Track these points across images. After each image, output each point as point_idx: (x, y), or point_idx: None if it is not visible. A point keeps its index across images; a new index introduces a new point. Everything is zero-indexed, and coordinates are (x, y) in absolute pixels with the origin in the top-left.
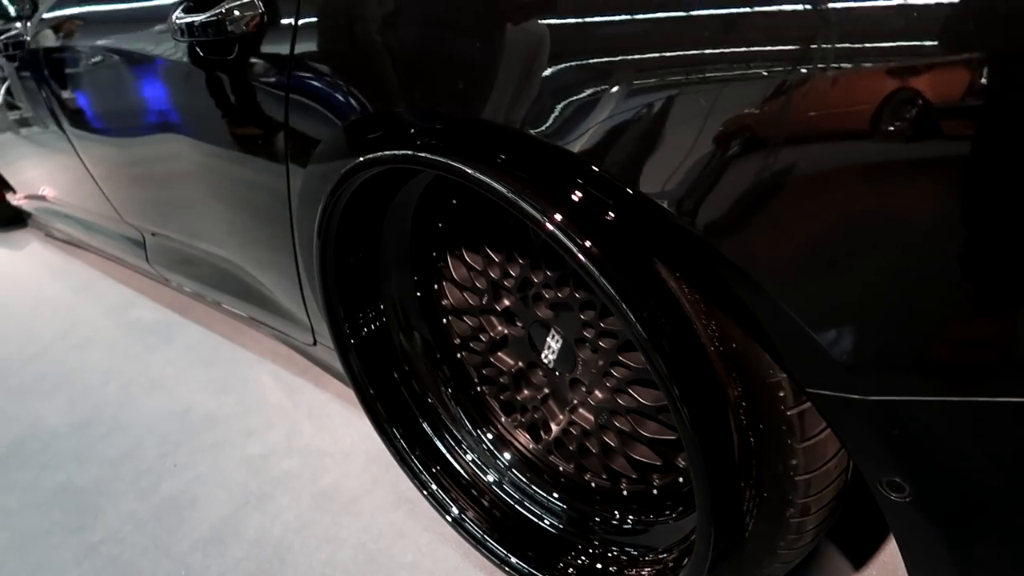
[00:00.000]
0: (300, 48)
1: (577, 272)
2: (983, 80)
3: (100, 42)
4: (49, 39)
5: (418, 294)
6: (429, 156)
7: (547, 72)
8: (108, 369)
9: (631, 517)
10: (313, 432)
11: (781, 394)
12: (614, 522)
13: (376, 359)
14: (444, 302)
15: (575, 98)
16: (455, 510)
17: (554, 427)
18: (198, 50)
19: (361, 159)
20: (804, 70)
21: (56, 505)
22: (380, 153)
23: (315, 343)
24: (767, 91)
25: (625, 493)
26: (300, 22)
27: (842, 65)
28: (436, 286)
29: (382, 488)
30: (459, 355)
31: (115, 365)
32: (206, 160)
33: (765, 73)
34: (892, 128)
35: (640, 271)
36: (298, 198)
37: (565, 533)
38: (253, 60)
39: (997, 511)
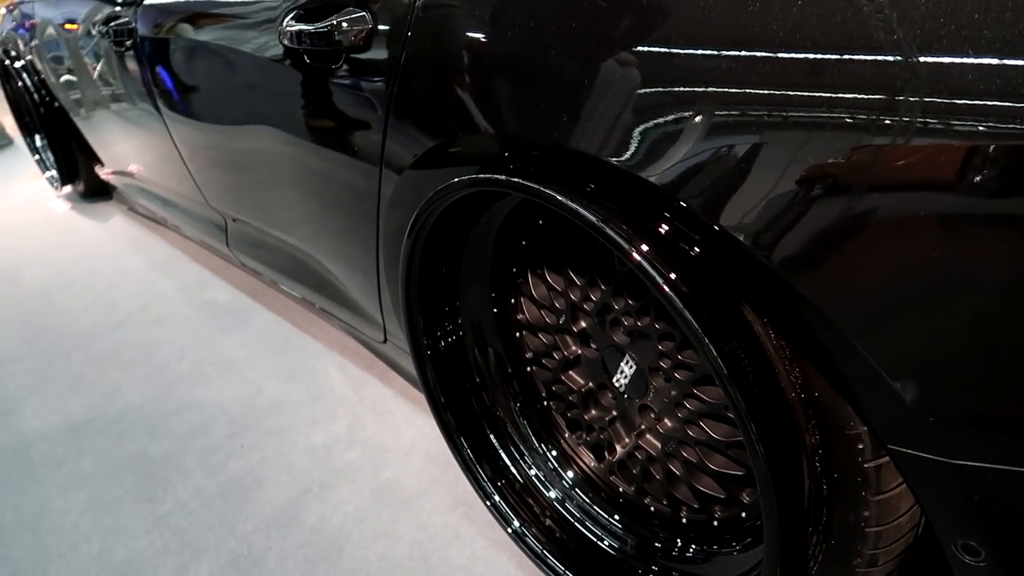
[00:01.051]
0: (407, 63)
1: (659, 302)
2: None
3: (204, 34)
4: (155, 27)
5: (495, 310)
6: (522, 182)
7: (638, 105)
8: (183, 346)
9: (693, 546)
10: (376, 427)
11: (860, 446)
12: (675, 550)
13: (450, 370)
14: (520, 317)
15: (664, 132)
16: (516, 523)
17: (619, 449)
18: (304, 56)
19: (456, 179)
20: (891, 120)
21: (129, 474)
22: (474, 176)
23: (385, 341)
24: (854, 137)
25: (685, 521)
26: (409, 39)
27: (928, 119)
28: (513, 301)
29: (440, 488)
30: (529, 369)
31: (190, 343)
32: (300, 157)
33: (851, 120)
34: (977, 182)
35: (723, 308)
36: (387, 202)
37: (625, 556)
38: (358, 69)
39: None
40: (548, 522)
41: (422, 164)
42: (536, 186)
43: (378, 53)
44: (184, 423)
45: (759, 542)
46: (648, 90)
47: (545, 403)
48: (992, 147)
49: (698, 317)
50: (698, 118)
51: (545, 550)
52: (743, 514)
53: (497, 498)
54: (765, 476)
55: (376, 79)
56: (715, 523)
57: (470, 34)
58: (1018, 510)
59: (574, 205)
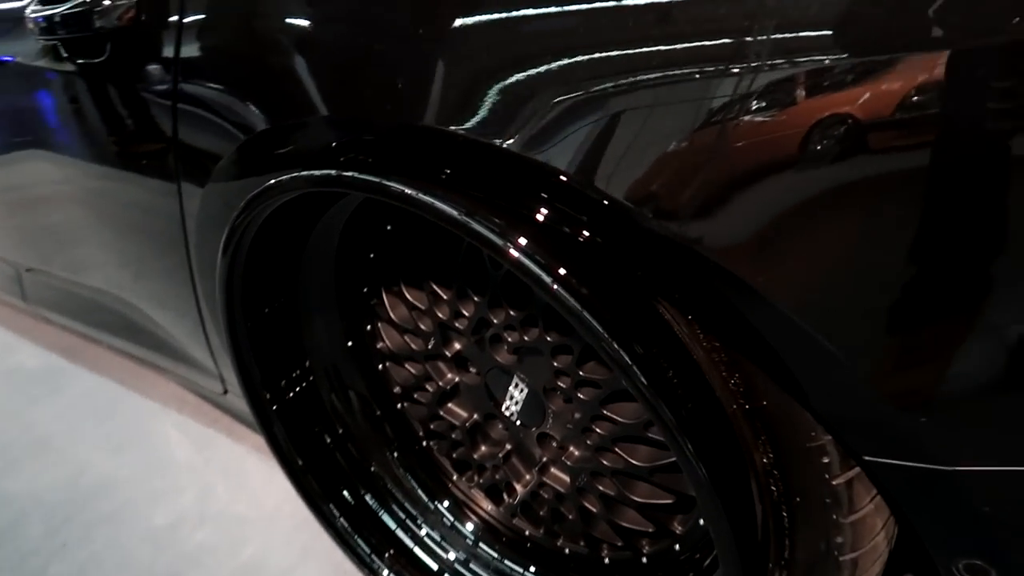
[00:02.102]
0: (187, 47)
1: (548, 307)
2: None
3: None
4: None
5: (349, 343)
6: (358, 176)
7: (498, 63)
8: None
9: None
10: (229, 494)
11: (825, 460)
12: None
13: (304, 424)
14: (380, 345)
15: (524, 90)
16: None
17: (520, 488)
18: (62, 50)
19: (272, 182)
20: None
21: None
22: (295, 174)
23: (225, 392)
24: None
25: (608, 561)
26: (187, 17)
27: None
28: (369, 328)
29: (315, 559)
30: (401, 406)
31: None
32: (83, 181)
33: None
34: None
35: (632, 304)
36: (196, 224)
37: None
38: (129, 62)
39: None
40: None
41: (228, 171)
42: (376, 179)
43: (150, 36)
44: None
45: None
46: (503, 40)
47: (425, 444)
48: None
49: (600, 317)
50: (556, 68)
51: None
52: (676, 546)
53: (387, 573)
54: (713, 501)
55: (153, 71)
56: (644, 560)
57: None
58: (1017, 515)
59: (427, 198)
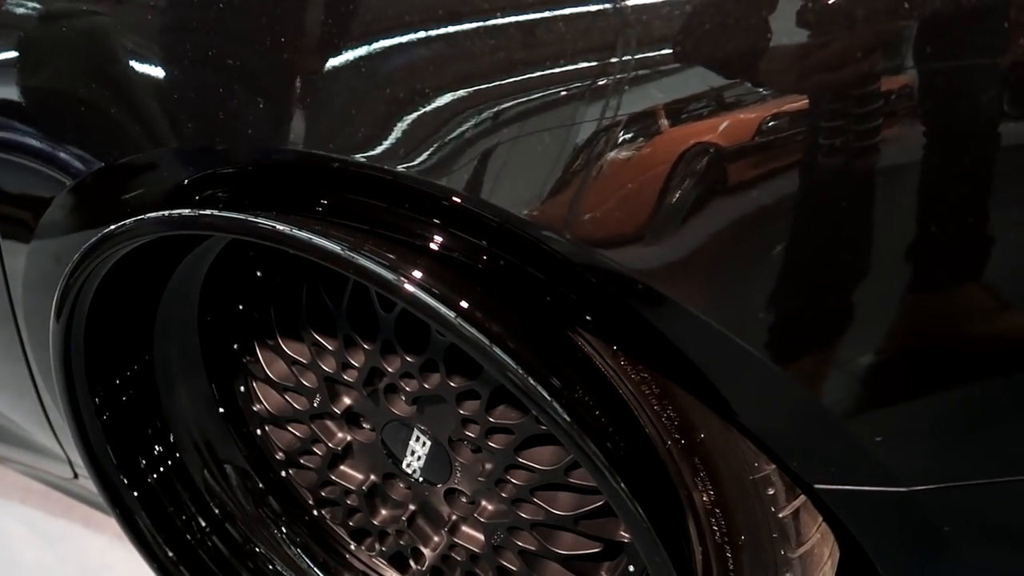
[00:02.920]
0: None
1: (450, 349)
2: None
3: None
4: None
5: (220, 409)
6: (217, 214)
7: (376, 77)
8: None
9: None
10: None
11: (771, 492)
12: None
13: (173, 510)
14: (257, 408)
15: (415, 108)
16: None
17: (428, 552)
18: None
19: (111, 228)
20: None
21: None
22: (139, 218)
23: (76, 476)
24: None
25: None
26: None
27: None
28: (243, 388)
29: None
30: (285, 474)
31: None
32: None
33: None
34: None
35: (546, 336)
36: (23, 288)
37: None
38: None
39: None
40: None
41: (57, 223)
42: (239, 217)
43: None
44: None
45: None
46: (376, 53)
47: (316, 513)
48: None
49: (510, 351)
50: (440, 78)
51: None
52: None
53: None
54: (653, 541)
55: None
56: None
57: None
58: (1001, 532)
59: (303, 235)
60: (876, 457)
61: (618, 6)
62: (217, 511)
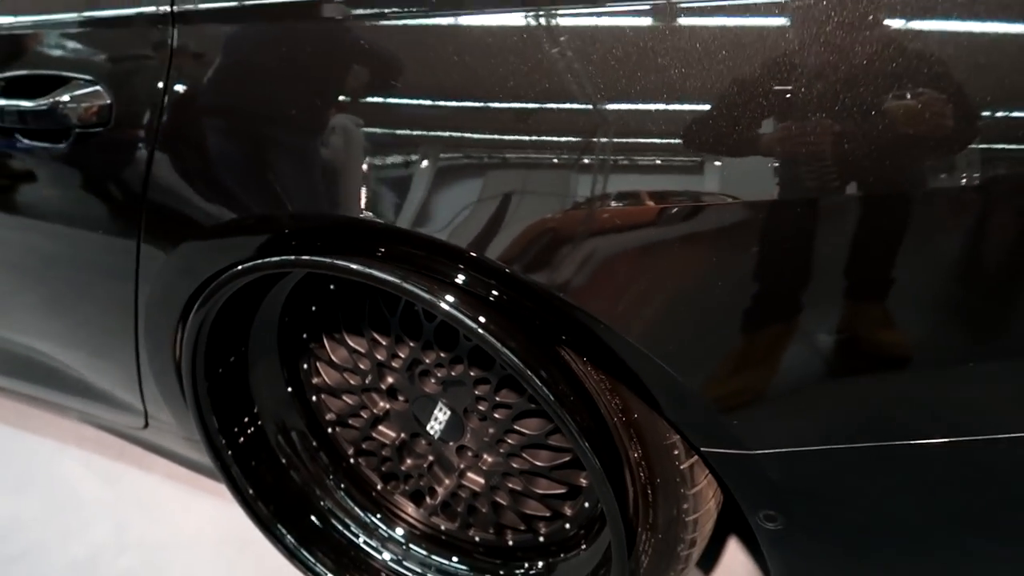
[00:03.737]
0: (164, 142)
1: (472, 350)
2: None
3: None
4: None
5: (288, 388)
6: (315, 258)
7: (404, 168)
8: None
9: (536, 564)
10: (146, 523)
11: (676, 452)
12: (522, 572)
13: (255, 461)
14: (316, 381)
15: (433, 190)
16: None
17: (440, 491)
18: (16, 134)
19: (241, 267)
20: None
21: None
22: (262, 260)
23: (146, 426)
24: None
25: (511, 543)
26: (165, 118)
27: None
28: (306, 367)
29: (241, 571)
30: (331, 431)
31: None
32: (25, 246)
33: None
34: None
35: (539, 344)
36: (147, 296)
37: None
38: (99, 147)
39: (848, 535)
40: None
41: (190, 254)
42: (329, 260)
43: (125, 131)
44: None
45: (587, 545)
46: (402, 158)
47: (352, 461)
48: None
49: (517, 353)
50: (453, 178)
51: None
52: (566, 526)
53: None
54: (604, 483)
55: (125, 157)
56: (541, 539)
57: (231, 113)
58: (804, 481)
59: (374, 272)
60: (730, 430)
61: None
62: (284, 461)
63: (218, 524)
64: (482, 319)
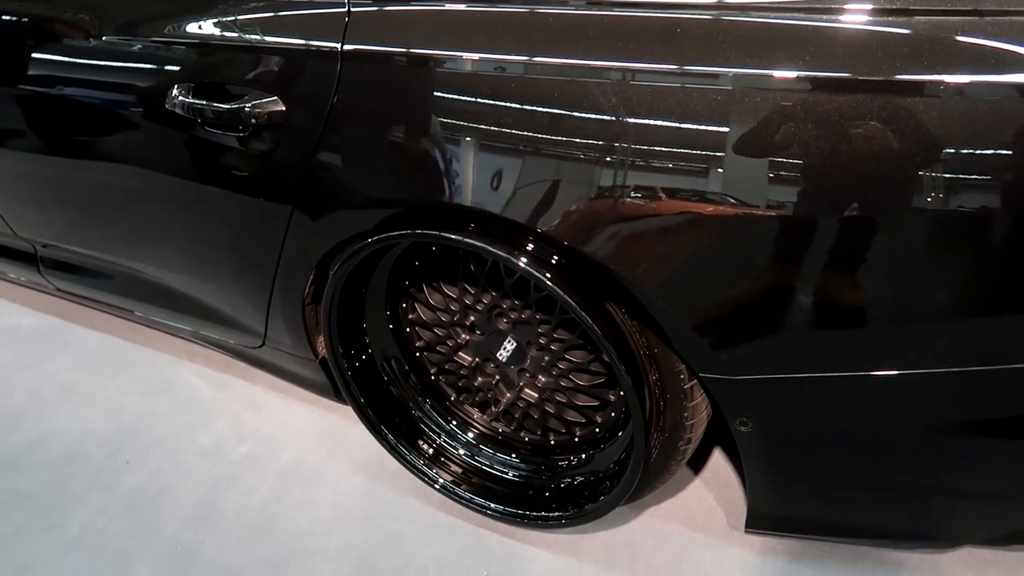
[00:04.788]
0: (325, 137)
1: (540, 300)
2: None
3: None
4: None
5: (390, 325)
6: (454, 236)
7: (495, 168)
8: (5, 378)
9: (572, 457)
10: (257, 420)
11: (682, 376)
12: (563, 464)
13: (365, 380)
14: (411, 316)
15: (512, 184)
16: (442, 481)
17: (503, 401)
18: (198, 121)
19: (393, 233)
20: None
21: (12, 512)
22: (400, 232)
23: (262, 345)
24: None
25: (552, 442)
26: (329, 118)
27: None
28: (404, 306)
29: (339, 459)
30: (419, 355)
31: (12, 374)
32: (190, 202)
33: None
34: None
35: (590, 296)
36: (291, 248)
37: (530, 480)
38: (271, 137)
39: (797, 438)
40: (465, 473)
41: (337, 217)
42: (434, 232)
43: (295, 129)
44: (49, 453)
45: (610, 444)
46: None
47: (433, 378)
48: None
49: (578, 303)
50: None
51: (472, 495)
52: (596, 429)
53: (421, 464)
54: (633, 395)
55: (293, 147)
56: (576, 439)
57: (374, 124)
58: (768, 398)
59: (470, 240)
60: (718, 361)
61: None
62: (386, 379)
63: (316, 423)
64: (548, 275)
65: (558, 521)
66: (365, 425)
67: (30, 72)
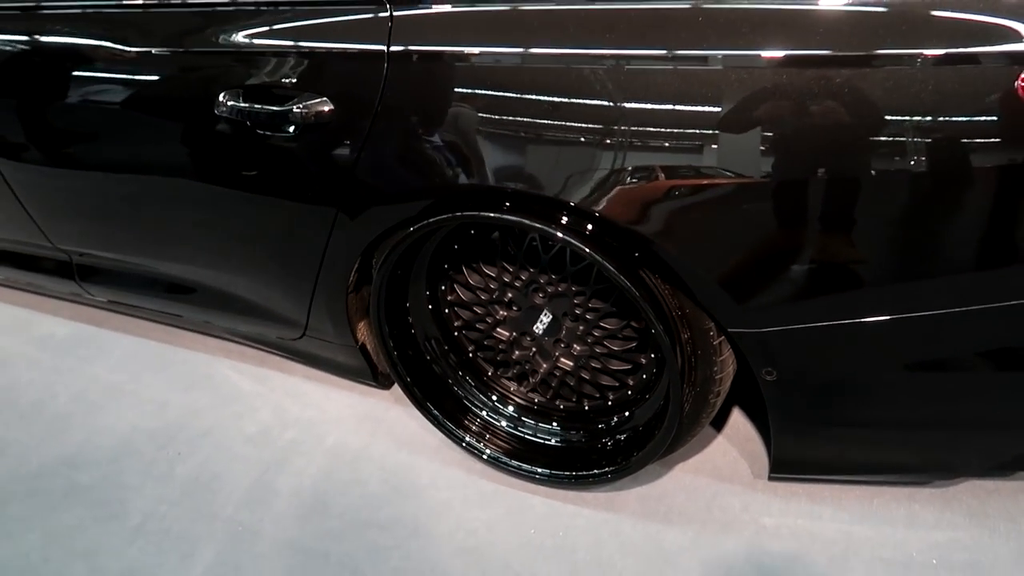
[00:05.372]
0: (372, 135)
1: (576, 273)
2: None
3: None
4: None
5: (429, 306)
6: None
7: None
8: (48, 383)
9: (612, 419)
10: (298, 408)
11: (711, 333)
12: (604, 424)
13: (410, 360)
14: (450, 297)
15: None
16: (488, 451)
17: (541, 371)
18: (247, 123)
19: (438, 217)
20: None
21: (74, 505)
22: (471, 213)
23: (302, 336)
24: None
25: (587, 408)
26: (376, 118)
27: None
28: (443, 287)
29: (381, 439)
30: (457, 334)
31: (54, 379)
32: (235, 204)
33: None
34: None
35: (629, 265)
36: (337, 239)
37: (572, 444)
38: (318, 137)
39: (817, 383)
40: (509, 442)
41: (383, 208)
42: (514, 218)
43: (344, 128)
44: (101, 450)
45: (639, 406)
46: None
47: (471, 355)
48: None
49: (619, 271)
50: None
51: (520, 461)
52: (628, 392)
53: (467, 438)
54: (671, 353)
55: (341, 144)
56: (609, 403)
57: (428, 113)
58: (791, 347)
59: (513, 218)
60: (744, 316)
61: None
62: (428, 357)
63: (355, 408)
64: (588, 248)
65: (604, 476)
66: (412, 402)
67: (75, 87)
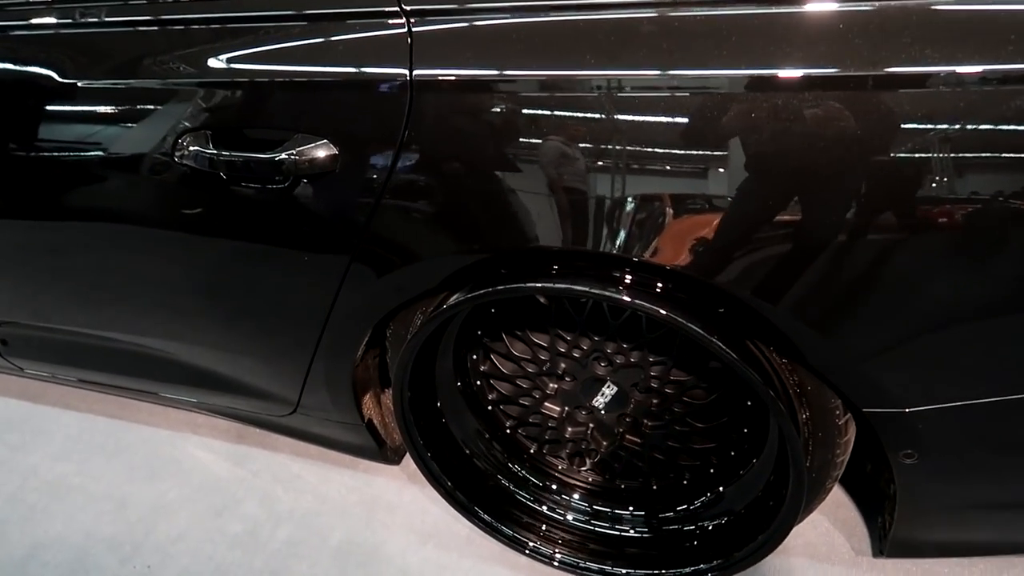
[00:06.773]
0: (392, 188)
1: (651, 341)
2: None
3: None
4: None
5: (458, 384)
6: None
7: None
8: None
9: (695, 501)
10: (291, 496)
11: (836, 412)
12: (687, 508)
13: (445, 453)
14: (483, 368)
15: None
16: (559, 555)
17: (599, 452)
18: (221, 176)
19: (481, 291)
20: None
21: None
22: (514, 286)
23: (292, 413)
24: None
25: (655, 487)
26: (397, 165)
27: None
28: (475, 357)
29: (397, 531)
30: (490, 408)
31: None
32: (212, 274)
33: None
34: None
35: (731, 334)
36: (346, 308)
37: (654, 534)
38: (320, 190)
39: (966, 462)
40: (580, 541)
41: (411, 271)
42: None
43: (352, 176)
44: (50, 568)
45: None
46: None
47: (508, 432)
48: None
49: (725, 347)
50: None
51: (596, 562)
52: (711, 471)
53: (532, 544)
54: (791, 431)
55: (348, 196)
56: (685, 482)
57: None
58: (938, 429)
59: (607, 293)
60: (890, 395)
61: None
62: (467, 451)
63: (361, 492)
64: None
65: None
66: (453, 505)
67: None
